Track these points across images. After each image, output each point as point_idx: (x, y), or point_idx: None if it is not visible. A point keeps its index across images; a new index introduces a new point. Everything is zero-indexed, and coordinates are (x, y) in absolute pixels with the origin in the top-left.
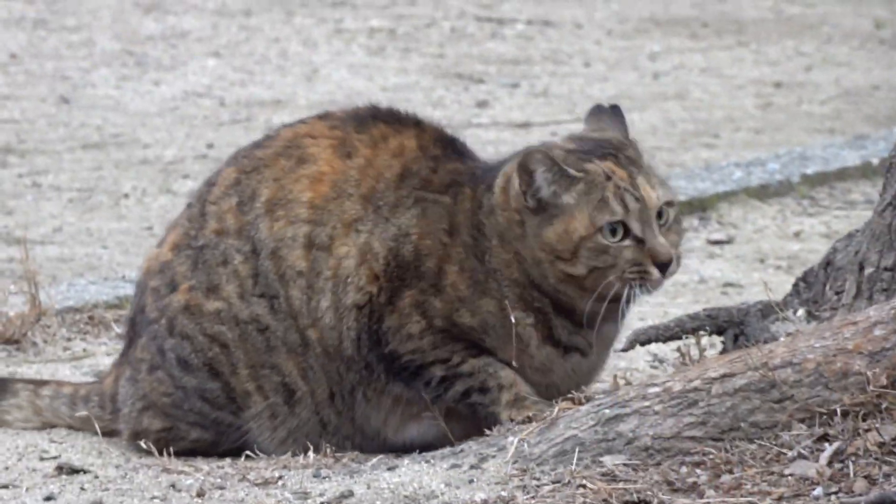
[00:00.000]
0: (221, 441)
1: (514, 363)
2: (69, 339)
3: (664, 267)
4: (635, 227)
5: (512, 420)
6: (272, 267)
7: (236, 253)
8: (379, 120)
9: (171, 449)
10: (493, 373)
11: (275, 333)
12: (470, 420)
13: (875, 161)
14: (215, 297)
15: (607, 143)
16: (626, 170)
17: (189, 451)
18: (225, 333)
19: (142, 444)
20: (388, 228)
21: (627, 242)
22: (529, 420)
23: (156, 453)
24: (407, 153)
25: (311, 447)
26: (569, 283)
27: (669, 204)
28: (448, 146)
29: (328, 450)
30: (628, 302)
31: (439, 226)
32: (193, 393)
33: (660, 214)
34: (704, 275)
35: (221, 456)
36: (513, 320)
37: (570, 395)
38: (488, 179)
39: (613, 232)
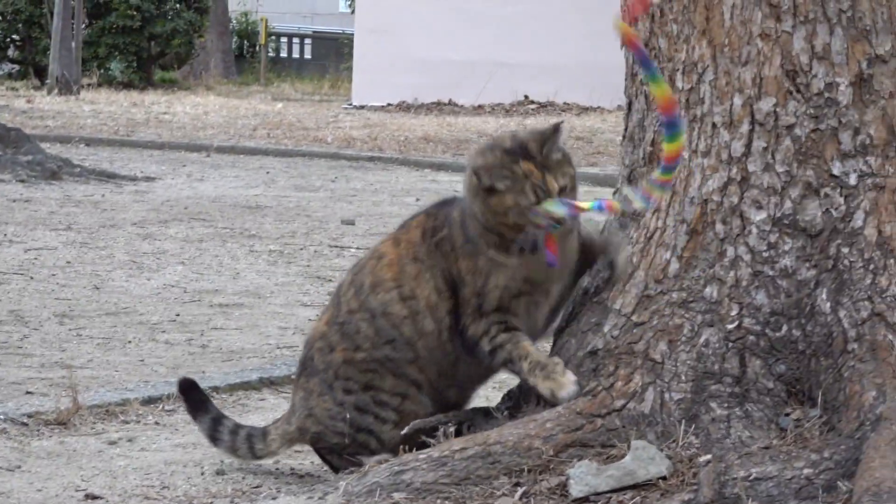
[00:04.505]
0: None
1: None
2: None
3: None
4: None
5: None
6: (385, 322)
7: (361, 322)
8: (401, 227)
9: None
10: (517, 342)
11: (398, 359)
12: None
13: None
14: (360, 351)
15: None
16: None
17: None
18: (372, 370)
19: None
20: (436, 271)
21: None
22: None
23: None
24: (415, 232)
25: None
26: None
27: (567, 183)
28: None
29: None
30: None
31: (463, 250)
32: (350, 406)
33: (562, 190)
34: None
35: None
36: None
37: (378, 458)
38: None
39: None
